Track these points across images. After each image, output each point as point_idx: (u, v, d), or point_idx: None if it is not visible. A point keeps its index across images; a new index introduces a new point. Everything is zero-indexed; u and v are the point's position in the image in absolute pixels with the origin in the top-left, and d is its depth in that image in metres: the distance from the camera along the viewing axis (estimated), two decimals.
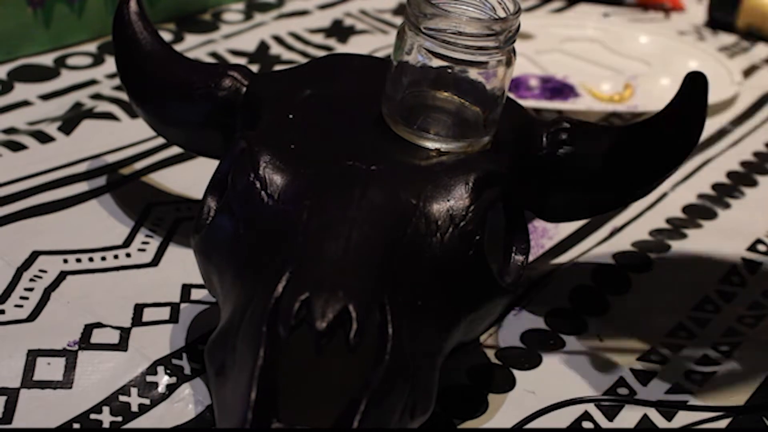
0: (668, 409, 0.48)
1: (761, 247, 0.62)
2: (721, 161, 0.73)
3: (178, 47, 0.80)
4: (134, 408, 0.46)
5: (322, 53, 0.83)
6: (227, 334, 0.41)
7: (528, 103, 0.75)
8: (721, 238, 0.63)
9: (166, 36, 0.83)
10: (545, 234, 0.62)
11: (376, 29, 0.89)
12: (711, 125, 0.76)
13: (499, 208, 0.46)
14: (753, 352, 0.53)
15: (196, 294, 0.53)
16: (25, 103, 0.71)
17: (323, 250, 0.41)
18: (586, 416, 0.48)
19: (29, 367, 0.47)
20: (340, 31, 0.89)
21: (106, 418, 0.45)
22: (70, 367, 0.47)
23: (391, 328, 0.40)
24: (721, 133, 0.77)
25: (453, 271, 0.44)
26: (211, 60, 0.80)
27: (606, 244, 0.62)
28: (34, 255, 0.55)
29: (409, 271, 0.42)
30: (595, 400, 0.48)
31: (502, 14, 0.46)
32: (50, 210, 0.59)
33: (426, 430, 0.43)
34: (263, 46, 0.84)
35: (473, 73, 0.47)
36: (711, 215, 0.66)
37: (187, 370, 0.48)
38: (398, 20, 0.43)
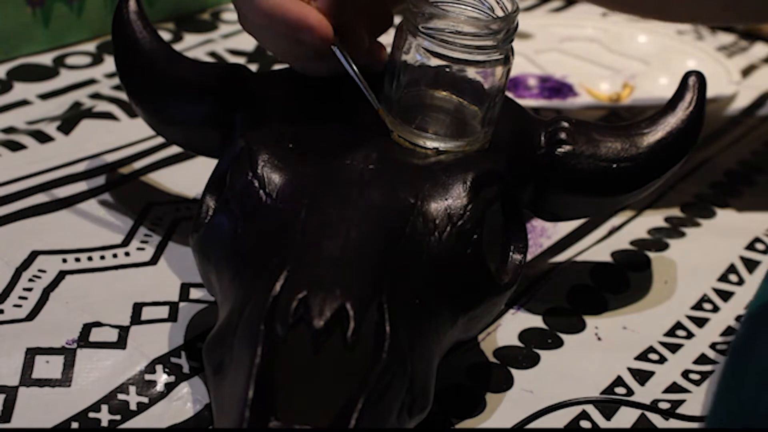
0: (665, 410, 0.48)
1: (760, 246, 0.62)
2: (720, 160, 0.73)
3: (177, 47, 0.80)
4: (133, 406, 0.46)
5: None
6: (225, 333, 0.41)
7: (526, 102, 0.75)
8: (720, 237, 0.63)
9: (165, 35, 0.83)
10: (543, 233, 0.62)
11: None
12: (709, 124, 0.76)
13: (497, 206, 0.46)
14: None
15: (195, 293, 0.53)
16: (24, 103, 0.71)
17: (321, 248, 0.41)
18: (584, 415, 0.48)
19: (28, 365, 0.47)
20: None
21: (104, 416, 0.45)
22: (69, 365, 0.47)
23: (388, 327, 0.40)
24: (719, 132, 0.77)
25: (451, 269, 0.44)
26: (210, 59, 0.81)
27: (604, 242, 0.62)
28: (33, 255, 0.55)
29: (407, 270, 0.42)
30: (592, 401, 0.48)
31: (500, 13, 0.46)
32: (49, 210, 0.59)
33: (424, 429, 0.43)
34: (262, 46, 0.84)
35: (471, 73, 0.47)
36: (710, 214, 0.66)
37: (186, 369, 0.48)
38: (396, 19, 0.43)
